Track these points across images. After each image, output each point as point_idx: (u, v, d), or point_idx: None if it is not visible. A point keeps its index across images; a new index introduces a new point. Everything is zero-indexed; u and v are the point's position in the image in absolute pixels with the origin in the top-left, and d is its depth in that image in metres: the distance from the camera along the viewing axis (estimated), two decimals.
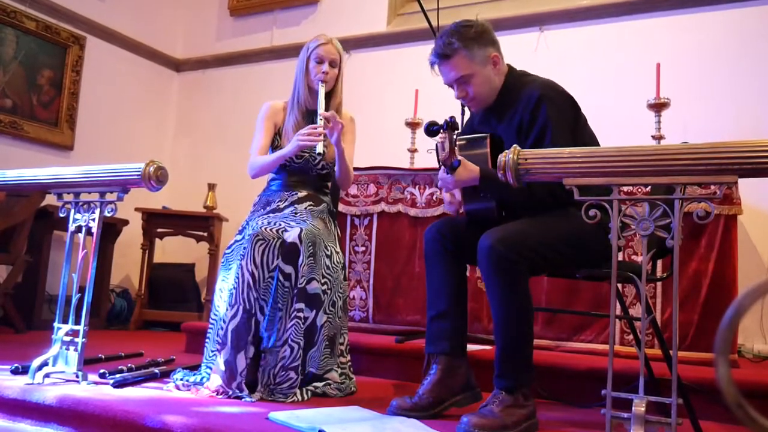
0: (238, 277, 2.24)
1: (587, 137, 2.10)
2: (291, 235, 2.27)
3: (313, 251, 2.29)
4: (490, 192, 2.04)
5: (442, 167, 1.98)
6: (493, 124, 2.17)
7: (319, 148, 2.39)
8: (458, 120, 2.19)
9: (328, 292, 2.34)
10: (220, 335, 2.22)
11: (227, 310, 2.23)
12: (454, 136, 1.93)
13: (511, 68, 2.19)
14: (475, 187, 2.04)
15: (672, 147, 1.58)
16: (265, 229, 2.28)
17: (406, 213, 3.45)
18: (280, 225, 2.32)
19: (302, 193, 2.57)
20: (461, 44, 2.06)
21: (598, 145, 2.12)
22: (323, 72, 2.53)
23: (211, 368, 2.24)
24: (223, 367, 2.17)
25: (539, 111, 2.00)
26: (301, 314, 2.23)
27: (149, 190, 2.18)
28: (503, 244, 1.83)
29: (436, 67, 2.15)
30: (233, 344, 2.18)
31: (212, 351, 2.27)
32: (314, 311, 2.27)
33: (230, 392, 2.12)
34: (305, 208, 2.51)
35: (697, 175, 1.52)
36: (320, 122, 2.42)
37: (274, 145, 2.63)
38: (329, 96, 2.57)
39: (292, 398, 2.14)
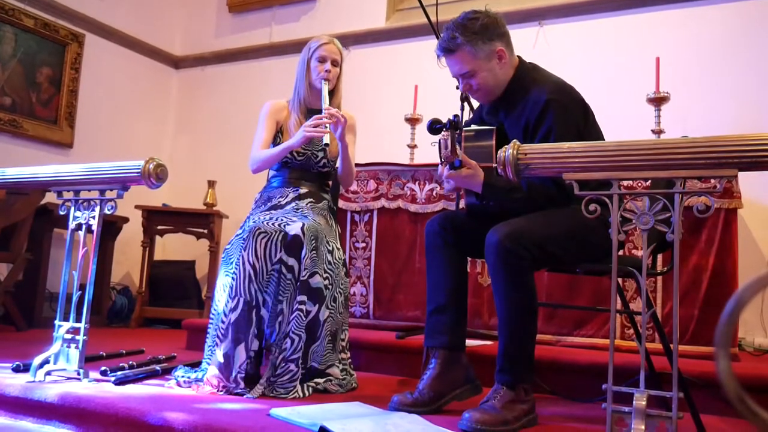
0: (238, 269, 2.24)
1: (594, 136, 2.09)
2: (293, 228, 2.27)
3: (316, 245, 2.30)
4: (492, 200, 2.04)
5: (444, 165, 1.98)
6: (501, 117, 2.16)
7: (326, 139, 2.43)
8: (459, 117, 2.18)
9: (330, 287, 2.34)
10: (221, 329, 2.22)
11: (227, 303, 2.23)
12: (457, 135, 1.93)
13: (521, 61, 2.17)
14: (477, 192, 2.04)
15: (672, 141, 1.57)
16: (267, 223, 2.29)
17: (406, 209, 3.45)
18: (282, 220, 2.33)
19: (303, 190, 2.58)
20: (464, 39, 2.04)
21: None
22: (326, 70, 2.56)
23: (210, 363, 2.24)
24: (222, 360, 2.17)
25: (546, 116, 1.98)
26: (303, 307, 2.24)
27: (149, 187, 2.18)
28: (511, 240, 1.83)
29: (442, 59, 2.14)
30: (233, 337, 2.19)
31: (210, 346, 2.27)
32: (317, 306, 2.28)
33: (230, 386, 2.13)
34: (306, 204, 2.52)
35: (697, 168, 1.52)
36: (326, 115, 2.45)
37: (276, 143, 2.64)
38: (331, 95, 2.59)
39: (293, 394, 2.14)
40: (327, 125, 2.43)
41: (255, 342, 2.20)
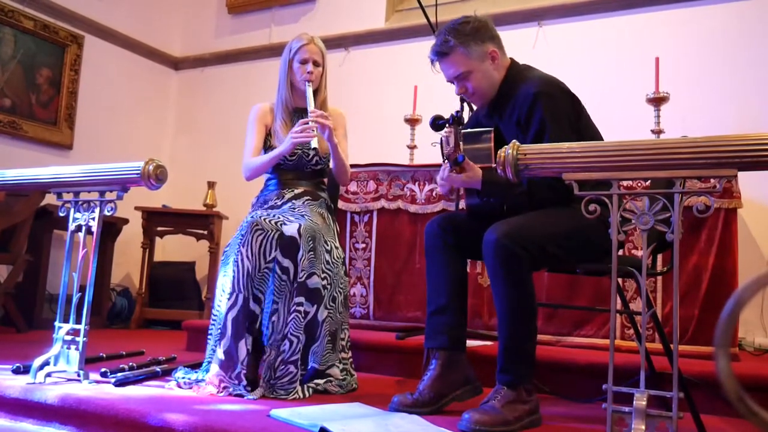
0: (236, 265, 2.24)
1: (591, 133, 2.09)
2: (290, 229, 2.27)
3: (313, 246, 2.29)
4: (492, 197, 2.04)
5: (446, 163, 1.97)
6: (497, 119, 2.18)
7: (314, 143, 2.45)
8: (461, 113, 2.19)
9: (329, 287, 2.34)
10: (221, 327, 2.22)
11: (227, 300, 2.23)
12: (460, 131, 1.93)
13: (513, 62, 2.19)
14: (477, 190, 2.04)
15: (671, 141, 1.57)
16: (264, 219, 2.29)
17: (405, 209, 3.45)
18: (279, 218, 2.32)
19: (299, 190, 2.58)
20: (458, 41, 2.08)
21: (601, 140, 2.11)
22: (308, 72, 2.57)
23: (211, 362, 2.24)
24: (222, 357, 2.17)
25: (535, 108, 1.99)
26: (300, 308, 2.24)
27: (149, 188, 2.18)
28: (509, 239, 1.83)
29: (436, 64, 2.16)
30: (233, 333, 2.18)
31: (212, 346, 2.27)
32: (315, 306, 2.28)
33: (231, 384, 2.12)
34: (303, 202, 2.53)
35: (696, 168, 1.52)
36: (311, 118, 2.46)
37: (266, 146, 2.65)
38: (314, 93, 2.60)
39: (294, 395, 2.14)
40: (314, 129, 2.43)
41: (249, 338, 2.19)
